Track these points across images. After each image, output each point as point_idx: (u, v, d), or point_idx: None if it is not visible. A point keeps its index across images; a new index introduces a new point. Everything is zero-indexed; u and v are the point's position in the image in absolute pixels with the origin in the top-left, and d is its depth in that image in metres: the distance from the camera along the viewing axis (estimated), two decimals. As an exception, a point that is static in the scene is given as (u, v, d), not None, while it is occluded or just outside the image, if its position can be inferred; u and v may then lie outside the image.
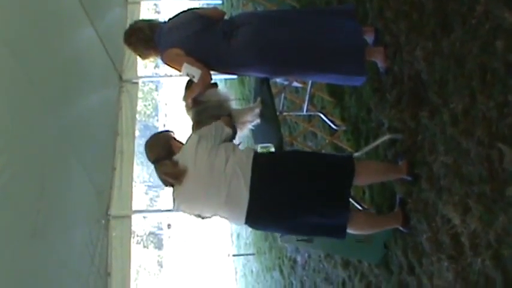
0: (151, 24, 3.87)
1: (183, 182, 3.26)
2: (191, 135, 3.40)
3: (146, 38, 3.80)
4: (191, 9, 3.91)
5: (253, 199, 3.14)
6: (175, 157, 3.31)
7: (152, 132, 3.61)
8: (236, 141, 3.60)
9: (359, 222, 3.39)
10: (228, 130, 3.42)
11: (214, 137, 3.31)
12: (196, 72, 3.59)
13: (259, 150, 3.94)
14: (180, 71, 3.65)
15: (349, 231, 3.30)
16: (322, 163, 3.34)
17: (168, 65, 3.78)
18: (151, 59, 3.96)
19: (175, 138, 3.46)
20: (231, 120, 3.58)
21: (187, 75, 3.62)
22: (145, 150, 3.46)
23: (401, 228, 3.55)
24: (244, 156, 3.23)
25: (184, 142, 3.42)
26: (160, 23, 3.88)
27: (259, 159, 3.25)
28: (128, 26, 4.02)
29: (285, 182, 3.21)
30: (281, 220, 3.31)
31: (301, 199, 3.20)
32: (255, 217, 3.24)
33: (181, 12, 3.88)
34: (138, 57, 4.05)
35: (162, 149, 3.37)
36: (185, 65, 3.58)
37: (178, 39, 3.68)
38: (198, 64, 3.61)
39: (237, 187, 3.15)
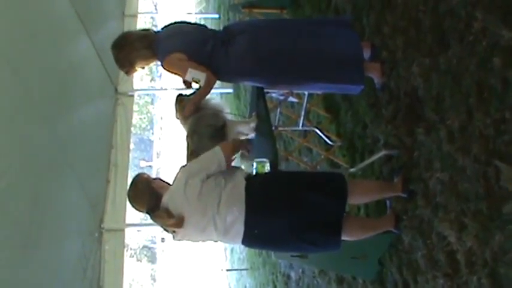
0: (146, 34, 3.77)
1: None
2: (178, 173, 3.30)
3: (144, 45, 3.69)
4: (185, 21, 3.91)
5: (248, 229, 3.20)
6: (164, 200, 3.25)
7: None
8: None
9: (351, 227, 3.35)
10: (223, 164, 3.26)
11: (203, 174, 3.22)
12: (202, 76, 3.56)
13: (254, 164, 3.92)
14: (181, 76, 3.60)
15: (343, 238, 3.27)
16: (315, 191, 3.27)
17: (169, 70, 3.69)
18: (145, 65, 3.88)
19: (152, 178, 3.41)
20: (235, 146, 3.43)
21: (193, 79, 3.59)
22: (132, 203, 3.42)
23: (393, 230, 3.53)
24: (236, 191, 3.22)
25: (162, 178, 3.43)
26: (154, 33, 3.80)
27: (251, 190, 3.23)
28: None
29: (278, 213, 3.22)
30: (274, 246, 3.65)
31: (294, 229, 3.21)
32: (251, 242, 3.42)
33: (175, 22, 3.85)
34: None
35: (148, 197, 3.31)
36: (190, 69, 3.54)
37: (180, 44, 3.62)
38: (202, 67, 3.56)
39: (232, 222, 3.19)
